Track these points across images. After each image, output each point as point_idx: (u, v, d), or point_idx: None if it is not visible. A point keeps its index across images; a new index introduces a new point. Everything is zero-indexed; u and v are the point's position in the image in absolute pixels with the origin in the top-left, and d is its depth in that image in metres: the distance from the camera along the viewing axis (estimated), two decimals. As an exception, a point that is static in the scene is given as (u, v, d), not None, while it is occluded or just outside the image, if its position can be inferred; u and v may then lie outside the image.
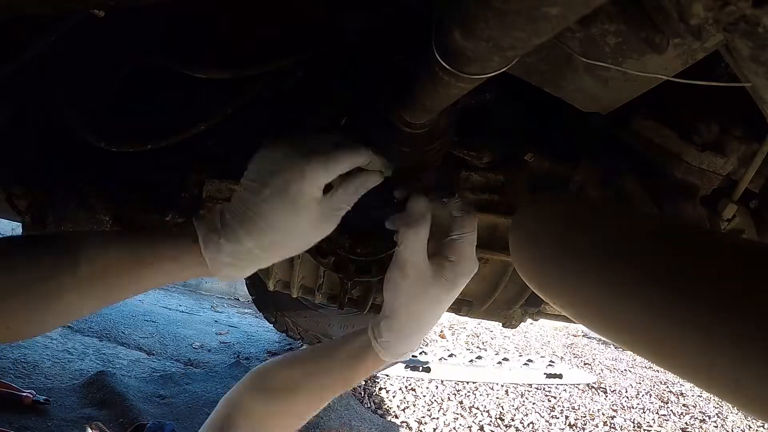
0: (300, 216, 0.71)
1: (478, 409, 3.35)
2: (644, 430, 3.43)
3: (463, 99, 0.99)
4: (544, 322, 3.80)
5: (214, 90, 1.01)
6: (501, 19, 0.38)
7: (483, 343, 4.87)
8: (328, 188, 0.74)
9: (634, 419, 3.57)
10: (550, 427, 3.29)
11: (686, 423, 3.66)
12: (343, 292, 1.26)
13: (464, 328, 5.12)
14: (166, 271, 0.71)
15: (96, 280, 0.67)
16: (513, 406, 3.49)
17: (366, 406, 3.14)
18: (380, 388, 3.38)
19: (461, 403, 3.40)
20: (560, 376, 4.10)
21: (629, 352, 4.87)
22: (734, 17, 0.50)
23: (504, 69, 0.51)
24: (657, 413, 3.75)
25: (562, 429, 3.30)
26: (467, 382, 3.73)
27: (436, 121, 0.84)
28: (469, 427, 3.10)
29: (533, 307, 1.36)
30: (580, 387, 4.08)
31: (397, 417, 3.10)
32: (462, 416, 3.22)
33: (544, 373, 4.09)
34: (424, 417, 3.13)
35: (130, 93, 1.09)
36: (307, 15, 0.96)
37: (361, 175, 0.77)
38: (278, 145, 0.73)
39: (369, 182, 0.79)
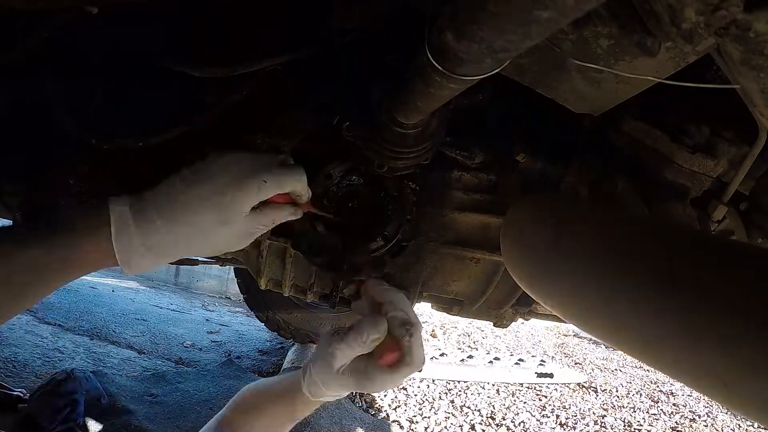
0: (223, 222, 0.75)
1: (469, 408, 3.36)
2: (635, 429, 3.45)
3: (455, 99, 1.00)
4: (535, 322, 3.80)
5: (206, 87, 1.01)
6: (493, 22, 0.39)
7: (474, 342, 4.89)
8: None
9: (625, 418, 3.58)
10: (541, 426, 3.30)
11: (676, 422, 3.68)
12: (334, 291, 1.25)
13: (456, 327, 5.13)
14: (76, 270, 0.71)
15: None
16: (504, 405, 3.50)
17: (357, 404, 3.14)
18: (372, 387, 3.38)
19: (452, 402, 3.41)
20: (551, 376, 4.11)
21: (620, 352, 4.91)
22: (725, 21, 0.50)
23: (496, 71, 0.51)
24: (647, 412, 3.77)
25: (553, 428, 3.31)
26: (458, 382, 3.74)
27: (428, 122, 0.84)
28: (460, 425, 3.10)
29: (524, 307, 1.36)
30: (571, 386, 4.10)
31: (388, 416, 3.10)
32: (453, 415, 3.22)
33: (535, 373, 4.11)
34: (415, 416, 3.13)
35: (122, 90, 1.08)
36: (302, 13, 0.96)
37: (279, 208, 0.82)
38: (230, 153, 0.77)
39: (283, 215, 0.84)
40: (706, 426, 3.69)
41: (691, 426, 3.65)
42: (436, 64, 0.51)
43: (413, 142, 0.86)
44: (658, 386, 4.35)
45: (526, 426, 3.26)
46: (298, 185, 0.82)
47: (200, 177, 0.74)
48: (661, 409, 3.87)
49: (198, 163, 0.77)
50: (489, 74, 0.52)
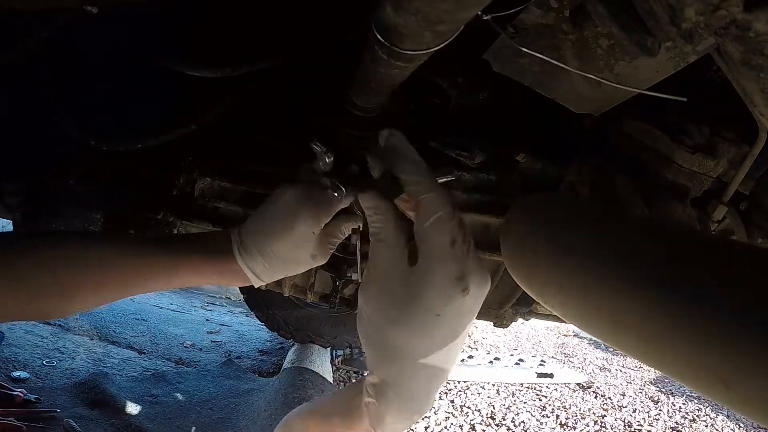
0: (300, 248, 0.84)
1: (469, 408, 3.36)
2: (635, 429, 3.45)
3: (456, 99, 1.00)
4: (535, 322, 3.80)
5: (206, 87, 1.01)
6: None
7: (474, 342, 4.89)
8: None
9: (625, 418, 3.58)
10: (541, 426, 3.30)
11: (677, 422, 3.68)
12: (334, 291, 1.26)
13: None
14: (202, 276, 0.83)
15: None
16: (504, 405, 3.50)
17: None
18: (372, 387, 3.38)
19: (452, 402, 3.41)
20: (551, 376, 4.11)
21: (620, 352, 4.90)
22: (725, 21, 0.50)
23: (439, 46, 0.52)
24: (647, 413, 3.77)
25: (553, 428, 3.31)
26: (459, 382, 3.74)
27: (387, 106, 0.85)
28: (460, 426, 3.10)
29: (524, 307, 1.36)
30: (571, 386, 4.10)
31: (388, 416, 3.09)
32: (453, 415, 3.22)
33: (535, 373, 4.11)
34: (415, 416, 3.13)
35: (122, 90, 1.08)
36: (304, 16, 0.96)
37: (342, 220, 0.89)
38: (292, 189, 0.84)
39: (349, 225, 0.91)
40: (706, 426, 3.69)
41: (691, 426, 3.65)
42: (381, 39, 0.52)
43: (370, 126, 0.88)
44: (658, 387, 4.35)
45: (526, 426, 3.25)
46: (341, 205, 0.88)
47: (274, 214, 0.83)
48: (661, 410, 3.87)
49: (272, 195, 0.86)
50: (432, 50, 0.53)
